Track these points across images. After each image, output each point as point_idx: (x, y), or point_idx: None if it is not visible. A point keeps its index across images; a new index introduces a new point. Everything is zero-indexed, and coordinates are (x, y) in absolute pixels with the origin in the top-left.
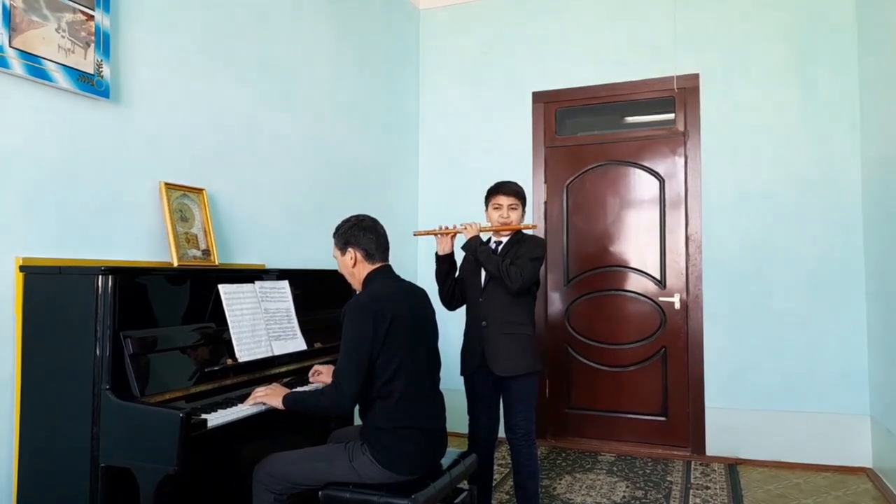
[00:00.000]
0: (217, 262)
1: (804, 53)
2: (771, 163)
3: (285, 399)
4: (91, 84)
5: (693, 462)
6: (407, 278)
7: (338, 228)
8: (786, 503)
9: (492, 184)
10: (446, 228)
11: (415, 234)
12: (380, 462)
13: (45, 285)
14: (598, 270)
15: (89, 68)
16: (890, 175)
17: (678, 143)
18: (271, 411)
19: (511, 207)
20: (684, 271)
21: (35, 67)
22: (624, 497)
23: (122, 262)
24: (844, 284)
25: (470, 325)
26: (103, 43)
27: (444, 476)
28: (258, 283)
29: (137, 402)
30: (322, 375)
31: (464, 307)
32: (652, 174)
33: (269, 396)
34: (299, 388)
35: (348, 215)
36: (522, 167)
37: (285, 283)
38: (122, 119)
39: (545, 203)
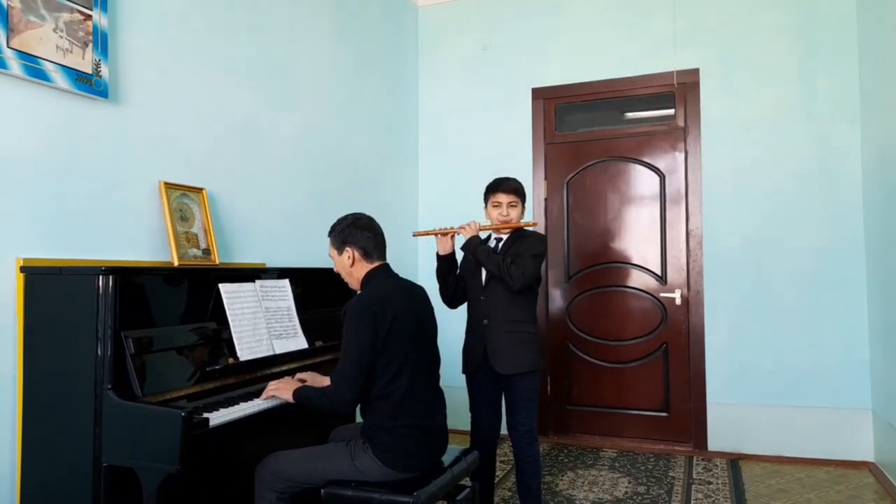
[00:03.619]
0: (217, 262)
1: (804, 48)
2: (771, 157)
3: (295, 393)
4: (89, 84)
5: (695, 457)
6: (407, 277)
7: (334, 227)
8: (788, 498)
9: (491, 180)
10: (445, 229)
11: (414, 235)
12: (381, 460)
13: (46, 286)
14: (598, 267)
15: (87, 68)
16: (890, 169)
17: (678, 139)
18: (273, 410)
19: (511, 205)
20: (685, 267)
21: (33, 68)
22: (626, 493)
23: (123, 262)
24: (845, 278)
25: (471, 324)
26: (101, 43)
27: (446, 473)
28: (259, 282)
29: (139, 402)
30: (306, 383)
31: (465, 305)
32: (652, 170)
33: (280, 390)
34: (309, 384)
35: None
36: (522, 164)
37: (286, 282)
38: (120, 119)
39: (545, 200)
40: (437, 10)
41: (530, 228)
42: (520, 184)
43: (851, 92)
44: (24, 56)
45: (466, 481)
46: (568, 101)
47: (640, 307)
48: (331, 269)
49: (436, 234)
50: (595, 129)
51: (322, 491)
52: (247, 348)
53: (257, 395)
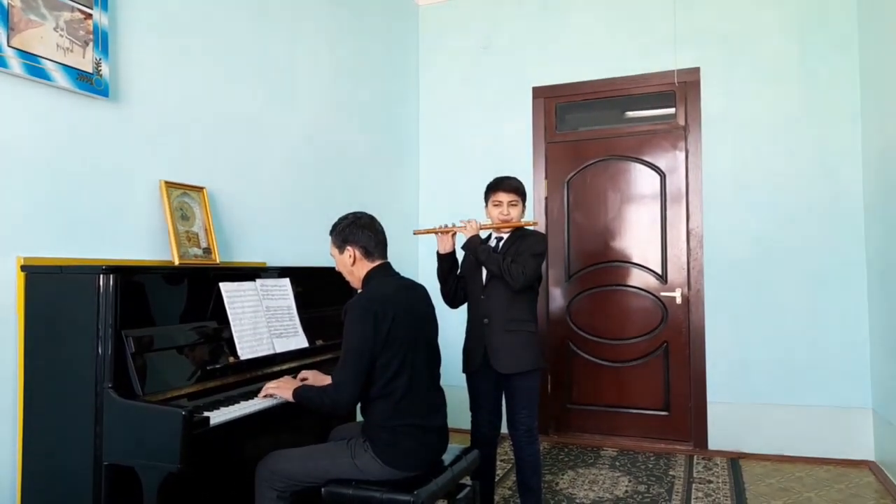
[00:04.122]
0: (218, 261)
1: (805, 46)
2: (772, 156)
3: (294, 392)
4: (90, 83)
5: (695, 456)
6: (408, 276)
7: (335, 226)
8: (788, 497)
9: (491, 179)
10: (446, 227)
11: (415, 233)
12: (382, 459)
13: (47, 285)
14: (599, 266)
15: (88, 67)
16: (891, 168)
17: (679, 138)
18: (273, 409)
19: (511, 204)
20: (685, 266)
21: (34, 67)
22: (626, 492)
23: (123, 261)
24: (846, 277)
25: (472, 323)
26: (102, 41)
27: (447, 472)
28: (259, 281)
29: (140, 401)
30: (308, 381)
31: (465, 304)
32: (653, 169)
33: (280, 389)
34: (310, 383)
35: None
36: (523, 163)
37: (286, 281)
38: (121, 118)
39: (546, 199)
40: (438, 9)
41: (531, 227)
42: (520, 183)
43: (852, 91)
44: (25, 55)
45: (467, 480)
46: (568, 100)
47: (640, 306)
48: (331, 268)
49: (436, 233)
50: (595, 128)
51: (322, 490)
52: (247, 347)
53: (258, 394)
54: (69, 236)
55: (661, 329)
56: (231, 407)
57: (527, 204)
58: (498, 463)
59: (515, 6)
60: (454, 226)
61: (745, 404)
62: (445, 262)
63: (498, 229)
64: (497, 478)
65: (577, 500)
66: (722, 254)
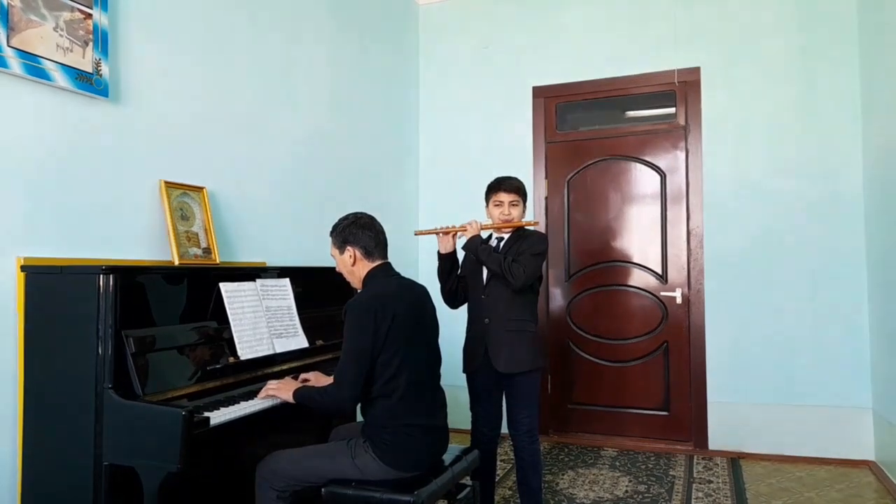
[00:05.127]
0: (218, 261)
1: (805, 46)
2: (772, 156)
3: (295, 394)
4: (90, 83)
5: (695, 456)
6: (408, 276)
7: (335, 227)
8: (788, 497)
9: (492, 179)
10: (447, 228)
11: (416, 234)
12: (382, 459)
13: (47, 285)
14: (599, 266)
15: (88, 67)
16: (891, 168)
17: (679, 138)
18: (274, 409)
19: (512, 204)
20: (686, 266)
21: (33, 66)
22: (626, 492)
23: (123, 261)
24: (846, 277)
25: (472, 323)
26: (102, 41)
27: (447, 472)
28: (259, 281)
29: (140, 401)
30: (310, 382)
31: (465, 304)
32: (653, 169)
33: (281, 390)
34: (311, 384)
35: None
36: (523, 163)
37: (286, 281)
38: (121, 118)
39: (546, 199)
40: (438, 9)
41: (531, 227)
42: (521, 183)
43: (852, 90)
44: (25, 55)
45: (467, 480)
46: (569, 100)
47: (640, 306)
48: (331, 268)
49: (437, 233)
50: (596, 127)
51: (322, 490)
52: (247, 347)
53: (258, 394)
54: (69, 236)
55: (661, 329)
56: (231, 407)
57: (527, 204)
58: (498, 463)
59: (515, 6)
60: (455, 227)
61: (746, 404)
62: (446, 261)
63: (499, 229)
64: (497, 478)
65: (578, 500)
66: (722, 253)
